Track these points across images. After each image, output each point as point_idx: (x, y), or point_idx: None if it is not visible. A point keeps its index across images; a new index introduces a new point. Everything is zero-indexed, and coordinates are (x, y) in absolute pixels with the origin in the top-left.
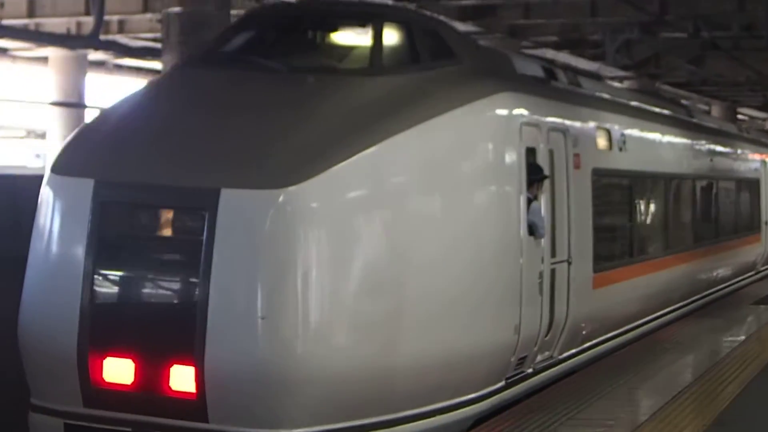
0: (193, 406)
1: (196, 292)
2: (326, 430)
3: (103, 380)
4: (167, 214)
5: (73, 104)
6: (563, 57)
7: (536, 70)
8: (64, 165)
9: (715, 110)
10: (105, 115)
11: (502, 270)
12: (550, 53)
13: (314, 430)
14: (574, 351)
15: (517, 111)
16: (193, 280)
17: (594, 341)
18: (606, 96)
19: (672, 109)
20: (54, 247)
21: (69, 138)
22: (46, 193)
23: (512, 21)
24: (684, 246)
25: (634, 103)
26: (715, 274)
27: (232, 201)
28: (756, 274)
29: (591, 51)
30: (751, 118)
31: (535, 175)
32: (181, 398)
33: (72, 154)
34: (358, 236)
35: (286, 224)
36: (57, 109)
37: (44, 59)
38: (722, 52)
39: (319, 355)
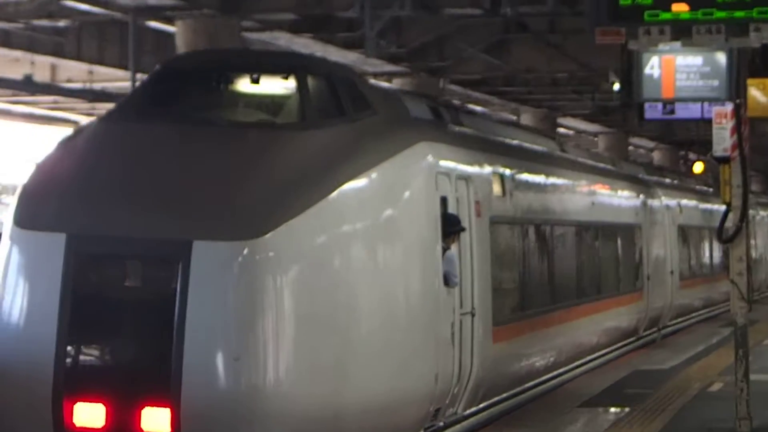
0: None
1: (173, 338)
2: None
3: (76, 426)
4: (142, 265)
5: None
6: (304, 43)
7: (425, 112)
8: (30, 219)
9: (526, 120)
10: (49, 166)
11: (425, 318)
12: (284, 38)
13: None
14: (473, 409)
15: (432, 160)
16: (169, 326)
17: (493, 399)
18: (493, 137)
19: (544, 144)
20: (26, 299)
21: (22, 191)
22: (12, 248)
23: None
24: (565, 303)
25: (516, 143)
26: (593, 338)
27: (203, 252)
28: (638, 340)
29: (343, 35)
30: (578, 132)
31: (452, 227)
32: None
33: (37, 207)
34: (316, 283)
35: (254, 273)
36: None
37: None
38: (533, 35)
39: (285, 394)
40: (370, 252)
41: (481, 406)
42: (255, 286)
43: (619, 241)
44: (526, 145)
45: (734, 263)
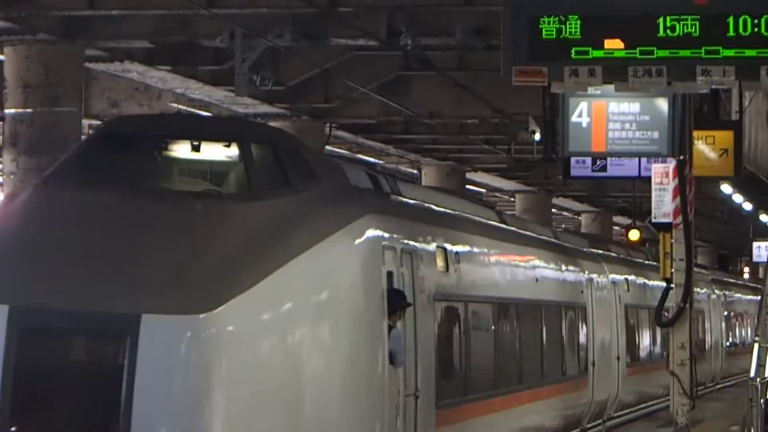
0: None
1: (120, 416)
2: None
3: None
4: (88, 339)
5: None
6: (160, 77)
7: (365, 180)
8: None
9: (430, 174)
10: None
11: (371, 399)
12: (137, 70)
13: None
14: None
15: (378, 233)
16: (116, 403)
17: None
18: (434, 208)
19: (483, 214)
20: None
21: None
22: None
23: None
24: (508, 387)
25: (456, 213)
26: (536, 428)
27: (152, 326)
28: None
29: (209, 68)
30: (491, 190)
31: (398, 302)
32: None
33: None
34: (264, 359)
35: (202, 347)
36: None
37: None
38: (438, 73)
39: None
40: (318, 328)
41: None
42: (205, 361)
43: (563, 322)
44: (467, 215)
45: (675, 351)
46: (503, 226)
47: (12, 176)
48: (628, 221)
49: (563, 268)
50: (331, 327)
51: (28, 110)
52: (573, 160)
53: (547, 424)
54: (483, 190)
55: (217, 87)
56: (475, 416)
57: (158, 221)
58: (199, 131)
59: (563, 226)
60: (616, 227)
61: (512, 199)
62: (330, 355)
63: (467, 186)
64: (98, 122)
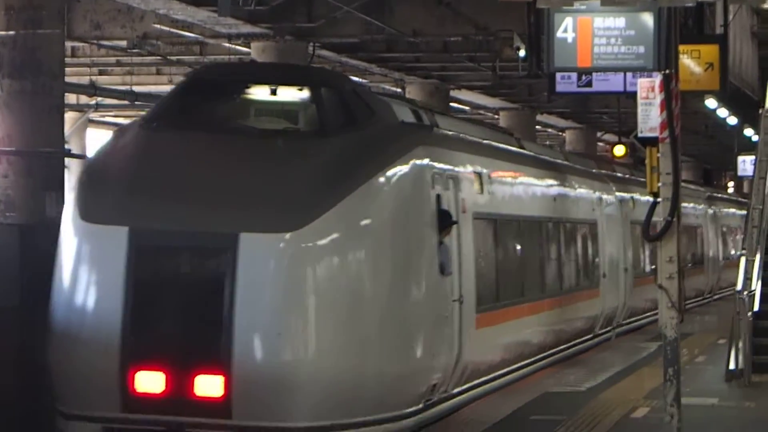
0: (220, 406)
1: (223, 317)
2: (317, 426)
3: (139, 391)
4: (196, 255)
5: None
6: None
7: (409, 115)
8: (94, 214)
9: (414, 92)
10: (103, 166)
11: (427, 303)
12: None
13: (312, 424)
14: (459, 389)
15: (428, 162)
16: (220, 307)
17: (473, 382)
18: (467, 137)
19: (506, 141)
20: (94, 284)
21: (80, 188)
22: (79, 239)
23: None
24: (543, 293)
25: (486, 142)
26: (558, 331)
27: (248, 243)
28: (594, 338)
29: None
30: (475, 107)
31: (445, 221)
32: (209, 401)
33: (99, 203)
34: (342, 271)
35: (292, 260)
36: None
37: None
38: None
39: (317, 364)
40: (384, 243)
41: (465, 386)
42: (293, 273)
43: (579, 237)
44: (494, 143)
45: (662, 265)
46: (524, 151)
47: None
48: (613, 138)
49: (576, 188)
50: (394, 242)
51: (11, 33)
52: (558, 75)
53: (565, 329)
54: (467, 108)
55: (199, 7)
56: (507, 320)
57: (247, 156)
58: (275, 77)
59: (548, 143)
60: (600, 143)
61: (496, 116)
62: (394, 266)
63: (451, 104)
64: (81, 44)
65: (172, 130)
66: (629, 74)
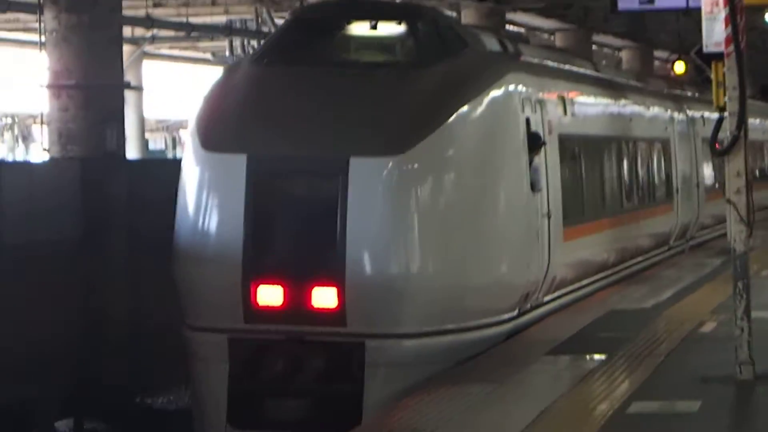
0: (335, 316)
1: (337, 234)
2: (423, 331)
3: (260, 304)
4: (310, 177)
5: None
6: None
7: (495, 45)
8: (215, 143)
9: (469, 16)
10: (219, 100)
11: (520, 218)
12: None
13: (417, 330)
14: (549, 297)
15: (518, 88)
16: (333, 224)
17: (561, 290)
18: (549, 64)
19: (584, 65)
20: (216, 207)
21: (199, 120)
22: (201, 166)
23: None
24: (621, 208)
25: (567, 67)
26: (637, 243)
27: (358, 166)
28: (669, 250)
29: None
30: (530, 29)
31: (535, 141)
32: (325, 311)
33: (218, 134)
34: (444, 189)
35: (398, 181)
36: None
37: None
38: None
39: (422, 275)
40: (482, 163)
41: (555, 295)
42: (398, 193)
43: (655, 155)
44: (574, 69)
45: (731, 179)
46: (600, 75)
47: (54, 33)
48: (669, 55)
49: (650, 108)
50: (489, 162)
51: None
52: None
53: (643, 242)
54: (522, 30)
55: None
56: (590, 233)
57: (352, 87)
58: (375, 13)
59: (604, 62)
60: (656, 61)
61: (552, 37)
62: (489, 184)
63: (506, 26)
64: None
65: (281, 65)
66: None
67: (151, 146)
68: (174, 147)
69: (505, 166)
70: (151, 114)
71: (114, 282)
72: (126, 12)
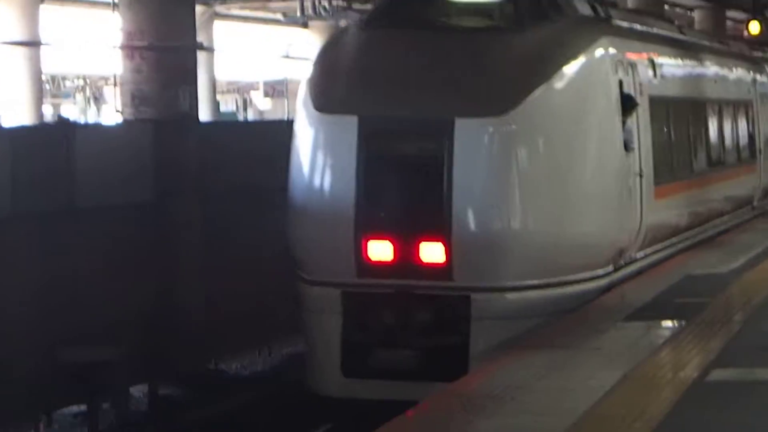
0: (442, 270)
1: (443, 192)
2: (525, 285)
3: (370, 259)
4: (417, 138)
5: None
6: None
7: (587, 9)
8: (328, 105)
9: None
10: (329, 63)
11: (615, 176)
12: None
13: (519, 283)
14: (641, 253)
15: (611, 51)
16: (440, 183)
17: (652, 247)
18: (637, 28)
19: (669, 29)
20: (330, 166)
21: (311, 83)
22: (316, 127)
23: None
24: (708, 168)
25: (654, 31)
26: (723, 202)
27: (463, 126)
28: (752, 210)
29: None
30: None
31: (628, 103)
32: (432, 266)
33: (330, 96)
34: (544, 149)
35: (501, 140)
36: None
37: None
38: None
39: (524, 231)
40: (579, 123)
41: (646, 252)
42: (501, 152)
43: (738, 116)
44: (660, 32)
45: None
46: (687, 38)
47: None
48: (742, 15)
49: (733, 70)
50: (586, 122)
51: None
52: None
53: (728, 200)
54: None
55: None
56: (679, 192)
57: (457, 50)
58: None
59: (676, 22)
60: (729, 22)
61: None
62: (586, 143)
63: None
64: None
65: (388, 30)
66: None
67: (222, 108)
68: (245, 109)
69: (600, 127)
70: (222, 75)
71: (185, 246)
72: None
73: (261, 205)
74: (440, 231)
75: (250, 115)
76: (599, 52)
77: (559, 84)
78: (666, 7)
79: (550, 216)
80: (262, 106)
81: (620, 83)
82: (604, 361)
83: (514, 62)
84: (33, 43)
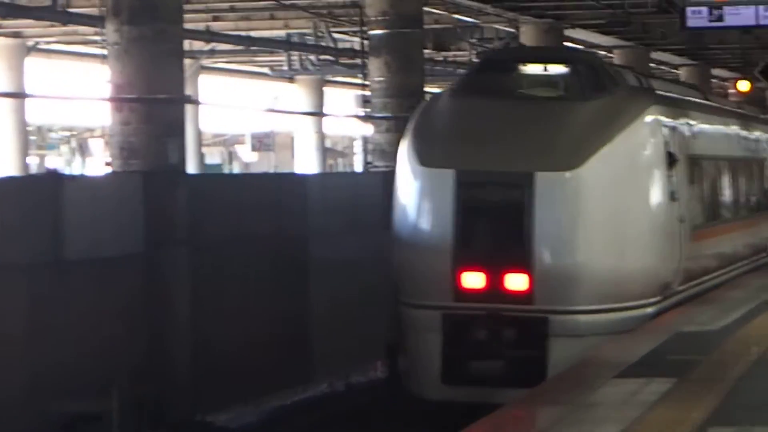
0: (525, 296)
1: (526, 232)
2: (593, 309)
3: (465, 287)
4: (504, 188)
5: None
6: None
7: (633, 80)
8: (428, 160)
9: (528, 33)
10: (426, 125)
11: (664, 221)
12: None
13: (588, 307)
14: (681, 287)
15: (659, 118)
16: (524, 225)
17: (689, 283)
18: (672, 95)
19: (696, 95)
20: (430, 211)
21: (412, 142)
22: (419, 179)
23: None
24: (733, 217)
25: (686, 98)
26: (745, 248)
27: (542, 179)
28: (766, 256)
29: None
30: (589, 46)
31: (672, 160)
32: (517, 292)
33: (429, 152)
34: (610, 196)
35: (573, 190)
36: None
37: None
38: None
39: (593, 265)
40: (635, 176)
41: (684, 287)
42: (574, 199)
43: (756, 172)
44: (691, 98)
45: None
46: (712, 103)
47: (116, 46)
48: (728, 74)
49: (751, 130)
50: (641, 175)
51: None
52: (689, 10)
53: (747, 246)
54: (581, 47)
55: None
56: (711, 236)
57: (532, 116)
58: (546, 57)
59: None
60: (714, 80)
61: (611, 54)
62: (642, 193)
63: (565, 43)
64: None
65: (476, 97)
66: (761, 7)
67: (207, 161)
68: (230, 162)
69: (651, 179)
70: (207, 128)
71: (175, 297)
72: (185, 25)
73: (249, 253)
74: (524, 264)
75: (236, 168)
76: (649, 118)
77: (618, 145)
78: (652, 64)
79: (612, 252)
80: (248, 158)
81: (665, 143)
82: (599, 418)
83: (582, 127)
84: (18, 95)
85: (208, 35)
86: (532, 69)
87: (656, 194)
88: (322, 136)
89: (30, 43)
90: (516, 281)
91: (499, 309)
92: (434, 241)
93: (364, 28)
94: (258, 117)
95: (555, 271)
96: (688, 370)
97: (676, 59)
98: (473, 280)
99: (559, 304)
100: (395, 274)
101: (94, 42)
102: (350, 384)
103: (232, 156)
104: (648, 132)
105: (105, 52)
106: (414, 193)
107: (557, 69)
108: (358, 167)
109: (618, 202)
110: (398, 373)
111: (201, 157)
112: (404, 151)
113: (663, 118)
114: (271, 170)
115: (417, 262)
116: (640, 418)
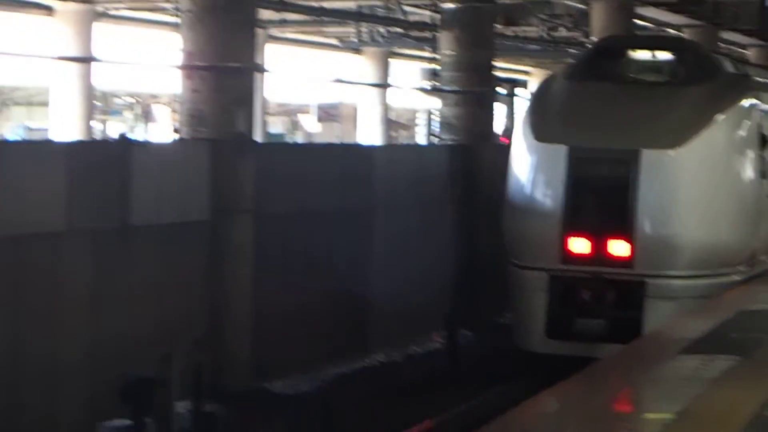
0: (626, 261)
1: (631, 202)
2: (687, 274)
3: (572, 251)
4: (611, 164)
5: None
6: None
7: (730, 67)
8: (544, 136)
9: (598, 10)
10: (541, 104)
11: (757, 196)
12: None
13: (685, 273)
14: (765, 257)
15: (753, 102)
16: (628, 197)
17: None
18: (759, 79)
19: None
20: (544, 183)
21: (529, 119)
22: (536, 153)
23: None
24: None
25: None
26: None
27: (647, 156)
28: None
29: None
30: (659, 24)
31: (765, 141)
32: (619, 258)
33: (545, 129)
34: (710, 172)
35: (675, 167)
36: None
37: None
38: None
39: (691, 232)
40: (732, 155)
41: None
42: (676, 175)
43: None
44: None
45: None
46: None
47: (189, 14)
48: None
49: None
50: (739, 154)
51: None
52: None
53: None
54: (651, 25)
55: None
56: None
57: (639, 99)
58: (654, 44)
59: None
60: None
61: (681, 33)
62: (739, 170)
63: (634, 21)
64: None
65: (588, 81)
66: None
67: (271, 130)
68: (293, 131)
69: (745, 159)
70: (272, 97)
71: (238, 266)
72: None
73: (313, 223)
74: (626, 232)
75: (299, 138)
76: (745, 103)
77: (718, 127)
78: (720, 44)
79: (707, 224)
80: (312, 128)
81: (759, 126)
82: (662, 394)
83: (686, 110)
84: (85, 59)
85: (280, 5)
86: (641, 55)
87: (749, 173)
88: (386, 108)
89: (99, 9)
90: (618, 248)
91: (601, 272)
92: (545, 209)
93: (436, 2)
94: (322, 88)
95: (654, 239)
96: (751, 348)
97: (745, 39)
98: (579, 245)
99: (657, 269)
100: (507, 238)
101: (163, 9)
102: (408, 354)
103: (295, 125)
104: (744, 116)
105: (173, 19)
106: (529, 166)
107: (664, 56)
108: (420, 140)
109: (714, 179)
110: (456, 342)
111: (265, 125)
112: (521, 127)
113: (756, 102)
114: (336, 141)
115: (529, 228)
116: (703, 395)
